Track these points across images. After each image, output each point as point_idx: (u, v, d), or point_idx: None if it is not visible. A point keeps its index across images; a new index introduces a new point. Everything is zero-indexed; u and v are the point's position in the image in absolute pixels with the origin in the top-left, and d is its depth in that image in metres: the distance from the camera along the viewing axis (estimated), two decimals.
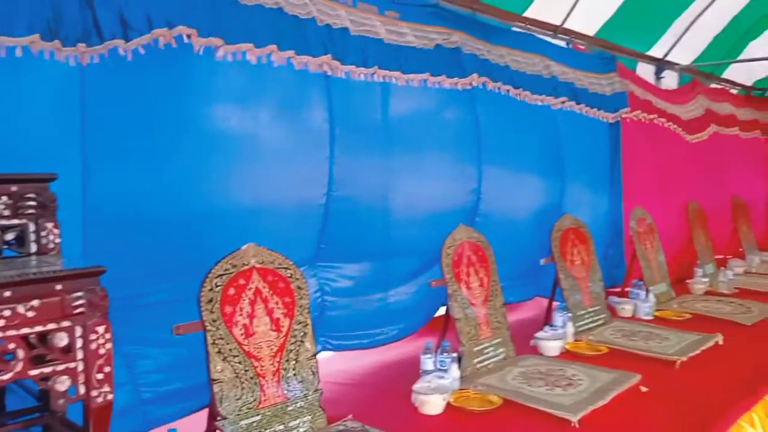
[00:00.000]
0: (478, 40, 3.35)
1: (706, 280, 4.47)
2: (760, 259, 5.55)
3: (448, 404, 2.28)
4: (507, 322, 2.88)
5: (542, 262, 3.38)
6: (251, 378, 1.89)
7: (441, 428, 2.14)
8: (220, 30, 2.15)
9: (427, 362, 2.44)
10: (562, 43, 4.21)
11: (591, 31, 4.43)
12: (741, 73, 7.29)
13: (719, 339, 3.12)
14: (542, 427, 2.12)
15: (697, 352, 2.92)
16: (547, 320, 3.32)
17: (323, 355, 3.01)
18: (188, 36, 2.05)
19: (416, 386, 2.31)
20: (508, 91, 3.52)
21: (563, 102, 3.95)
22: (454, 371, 2.44)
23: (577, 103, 4.05)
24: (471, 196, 3.35)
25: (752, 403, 2.41)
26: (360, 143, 2.81)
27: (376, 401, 2.43)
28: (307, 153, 2.60)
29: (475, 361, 2.62)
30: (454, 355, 2.48)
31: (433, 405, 2.23)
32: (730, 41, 6.14)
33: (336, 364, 2.94)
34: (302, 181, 2.58)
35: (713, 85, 6.56)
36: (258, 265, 1.99)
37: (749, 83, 7.69)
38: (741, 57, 6.65)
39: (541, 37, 4.01)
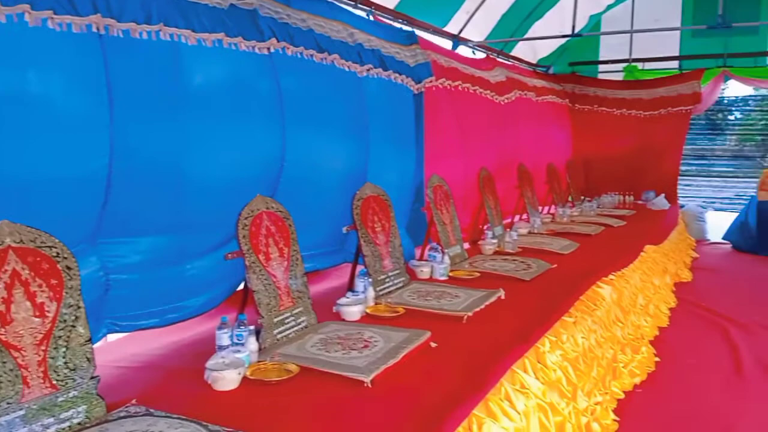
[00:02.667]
0: (276, 3, 3.26)
1: (494, 241, 4.89)
2: (542, 220, 6.21)
3: (245, 378, 2.24)
4: (308, 290, 2.89)
5: (344, 230, 3.45)
6: (11, 370, 1.68)
7: (235, 403, 2.09)
8: None
9: (223, 337, 2.37)
10: (363, 14, 4.26)
11: (391, 4, 4.54)
12: (527, 51, 8.01)
13: (501, 294, 3.43)
14: (337, 391, 2.17)
15: (482, 307, 3.18)
16: (350, 286, 3.41)
17: (112, 338, 2.80)
18: None
19: (209, 363, 2.23)
20: (312, 56, 3.48)
21: (369, 69, 4.01)
22: (252, 344, 2.40)
23: (385, 70, 4.15)
24: (274, 163, 3.27)
25: (524, 350, 2.69)
26: (147, 109, 2.58)
27: (166, 383, 2.30)
28: (81, 121, 2.33)
29: (276, 332, 2.60)
30: (252, 327, 2.43)
31: (227, 381, 2.17)
32: (517, 21, 6.70)
33: (126, 347, 2.74)
34: (77, 150, 2.32)
35: (504, 61, 7.12)
36: (15, 245, 1.75)
37: (534, 61, 8.48)
38: (527, 36, 7.29)
39: (343, 6, 4.02)
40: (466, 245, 4.83)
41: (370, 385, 2.18)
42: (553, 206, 7.16)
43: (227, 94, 2.92)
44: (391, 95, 4.29)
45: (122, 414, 1.89)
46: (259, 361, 2.38)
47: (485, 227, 5.16)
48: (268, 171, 3.21)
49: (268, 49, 3.13)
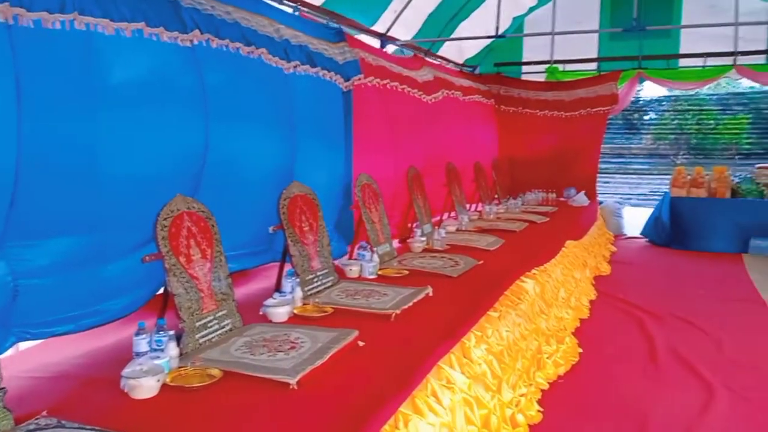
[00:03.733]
0: None
1: (423, 239, 4.94)
2: (469, 218, 6.32)
3: (165, 385, 2.16)
4: (233, 292, 2.82)
5: (271, 229, 3.39)
6: None
7: (153, 411, 2.01)
8: None
9: (141, 343, 2.27)
10: (289, 10, 4.20)
11: (318, 1, 4.50)
12: (454, 51, 8.14)
13: (429, 291, 3.46)
14: (262, 394, 2.12)
15: (410, 304, 3.19)
16: (277, 287, 3.35)
17: (25, 346, 2.65)
18: None
19: (126, 371, 2.14)
20: (238, 48, 3.39)
21: (296, 66, 3.95)
22: (172, 350, 2.32)
23: (313, 66, 4.10)
24: (196, 160, 3.17)
25: (450, 346, 2.72)
26: (59, 103, 2.43)
27: (81, 393, 2.19)
28: None
29: (198, 336, 2.52)
30: (172, 332, 2.35)
31: (145, 388, 2.08)
32: (443, 20, 6.79)
33: (40, 356, 2.60)
34: None
35: (431, 60, 7.20)
36: None
37: (461, 61, 8.62)
38: (453, 36, 7.40)
39: (268, 2, 3.96)
40: (396, 243, 4.86)
41: (296, 387, 2.14)
42: (480, 204, 7.31)
43: (147, 87, 2.79)
44: (320, 93, 4.26)
45: (31, 427, 1.79)
46: (179, 367, 2.31)
47: (414, 225, 5.21)
48: (190, 168, 3.11)
49: (191, 41, 3.04)
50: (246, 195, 3.60)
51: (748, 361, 3.96)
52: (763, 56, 8.35)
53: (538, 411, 3.09)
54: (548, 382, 3.47)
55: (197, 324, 2.53)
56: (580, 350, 4.06)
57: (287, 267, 3.42)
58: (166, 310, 2.58)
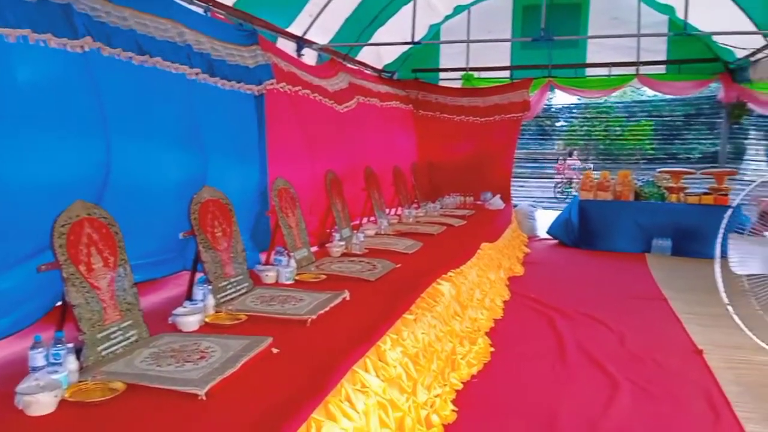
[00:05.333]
0: None
1: (342, 243, 4.93)
2: (388, 222, 6.37)
3: (63, 401, 2.04)
4: (139, 302, 2.70)
5: (181, 235, 3.28)
6: None
7: (51, 429, 1.89)
8: None
9: (37, 358, 2.13)
10: (200, 11, 4.09)
11: (230, 1, 4.41)
12: (373, 56, 8.20)
13: (346, 295, 3.46)
14: (169, 407, 2.04)
15: (327, 309, 3.18)
16: (188, 295, 3.25)
17: None
18: None
19: (21, 386, 2.00)
20: (131, 57, 3.28)
21: (197, 74, 3.86)
22: (71, 363, 2.19)
23: (212, 76, 4.01)
24: (98, 168, 3.05)
25: (366, 350, 2.72)
26: None
27: None
28: None
29: (100, 348, 2.40)
30: (71, 345, 2.23)
31: (41, 404, 1.96)
32: (361, 26, 6.83)
33: None
34: None
35: (350, 65, 7.22)
36: None
37: (380, 66, 8.69)
38: (371, 41, 7.45)
39: (177, 1, 3.84)
40: (314, 248, 4.82)
41: (204, 398, 2.08)
42: (399, 208, 7.38)
43: (35, 94, 2.66)
44: (231, 97, 4.17)
45: None
46: (80, 381, 2.19)
47: (333, 230, 5.19)
48: (91, 177, 2.98)
49: (82, 47, 2.90)
50: (154, 202, 3.48)
51: (649, 355, 4.19)
52: (663, 66, 8.91)
53: (453, 411, 3.15)
54: (462, 383, 3.54)
55: (99, 336, 2.41)
56: (492, 350, 4.16)
57: (199, 274, 3.32)
58: (66, 323, 2.44)
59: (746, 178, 9.74)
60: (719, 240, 2.32)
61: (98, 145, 2.99)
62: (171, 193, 3.58)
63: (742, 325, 2.22)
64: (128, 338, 2.54)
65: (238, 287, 3.45)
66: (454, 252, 5.09)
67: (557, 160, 10.12)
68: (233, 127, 4.31)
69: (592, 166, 9.65)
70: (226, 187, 3.73)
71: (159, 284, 3.88)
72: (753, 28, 7.17)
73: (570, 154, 9.21)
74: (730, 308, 2.24)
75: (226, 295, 3.31)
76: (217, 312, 3.10)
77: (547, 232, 8.97)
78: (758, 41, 7.26)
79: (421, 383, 3.03)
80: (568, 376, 3.84)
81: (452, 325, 3.96)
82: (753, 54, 7.66)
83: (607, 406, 3.37)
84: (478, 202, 8.69)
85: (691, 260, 7.41)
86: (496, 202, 8.50)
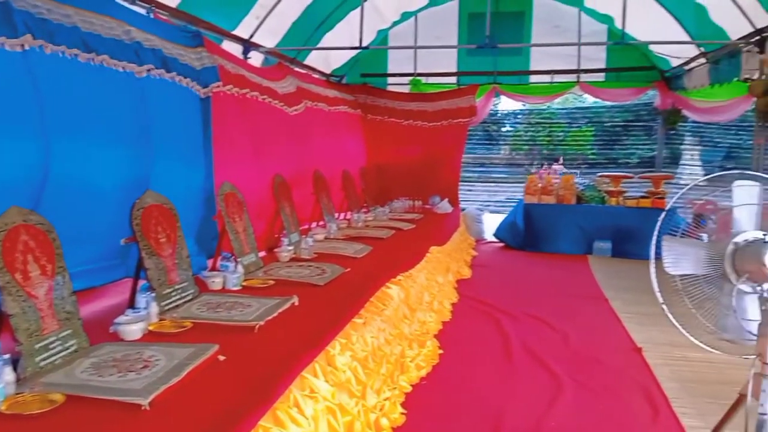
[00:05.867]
0: None
1: (291, 248, 4.90)
2: (338, 226, 6.36)
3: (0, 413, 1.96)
4: (78, 311, 2.62)
5: (123, 242, 3.20)
6: None
7: None
8: None
9: None
10: (143, 11, 4.01)
11: (173, 2, 4.33)
12: (321, 61, 8.18)
13: (295, 300, 3.43)
14: (111, 418, 1.99)
15: (275, 315, 3.15)
16: (131, 303, 3.17)
17: None
18: None
19: None
20: (76, 55, 3.18)
21: (149, 69, 3.78)
22: (8, 375, 2.11)
23: (168, 71, 3.93)
24: (35, 171, 2.94)
25: (314, 355, 2.72)
26: None
27: None
28: None
29: (38, 359, 2.32)
30: (7, 356, 2.14)
31: None
32: (309, 30, 6.81)
33: None
34: None
35: (297, 69, 7.18)
36: None
37: (328, 71, 8.69)
38: (319, 45, 7.44)
39: (120, 2, 3.75)
40: (262, 253, 4.77)
41: (148, 408, 2.03)
42: (348, 212, 7.38)
43: None
44: (175, 99, 4.10)
45: None
46: (17, 393, 2.11)
47: (281, 234, 5.15)
48: (27, 180, 2.87)
49: (22, 46, 2.80)
50: (95, 207, 3.39)
51: (591, 354, 4.33)
52: (603, 74, 9.22)
53: (402, 414, 3.17)
54: (411, 385, 3.57)
55: (37, 346, 2.32)
56: (441, 352, 4.21)
57: (142, 281, 3.24)
58: (2, 333, 2.34)
59: (682, 181, 10.19)
60: (654, 242, 2.42)
61: (36, 147, 2.89)
62: (113, 197, 3.49)
63: (676, 324, 2.31)
64: (68, 348, 2.46)
65: (183, 294, 3.39)
66: (403, 256, 5.13)
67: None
68: (179, 130, 4.22)
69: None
70: (170, 192, 3.65)
71: (99, 292, 3.76)
72: (687, 38, 7.51)
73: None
74: (665, 307, 2.34)
75: (171, 303, 3.24)
76: (161, 320, 3.03)
77: (494, 235, 9.13)
78: (692, 51, 7.61)
79: (371, 387, 3.04)
80: (514, 375, 3.92)
81: (401, 328, 3.99)
82: (687, 63, 8.01)
83: (552, 404, 3.46)
84: (427, 206, 8.78)
85: (630, 261, 7.67)
86: (445, 206, 8.60)
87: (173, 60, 4.04)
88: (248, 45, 5.77)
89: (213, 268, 4.14)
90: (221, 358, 2.55)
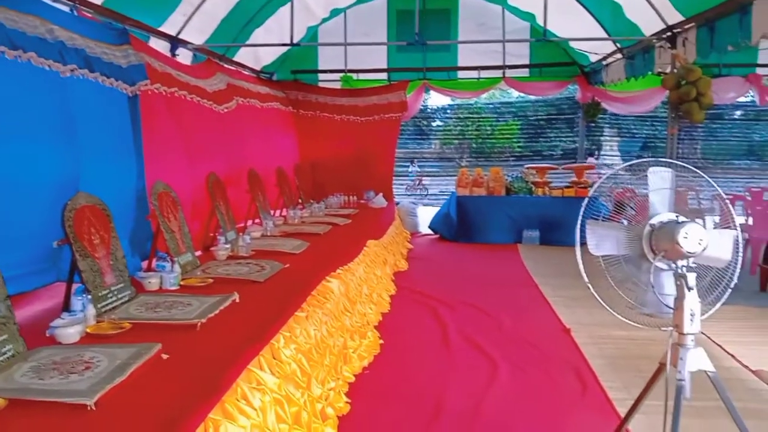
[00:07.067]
0: None
1: (228, 246, 4.87)
2: (274, 223, 6.35)
3: None
4: (14, 315, 2.55)
5: (55, 244, 3.11)
6: None
7: None
8: None
9: None
10: (66, 9, 3.89)
11: None
12: (251, 57, 8.11)
13: (236, 297, 3.44)
14: (57, 420, 1.96)
15: (216, 312, 3.14)
16: (66, 306, 3.09)
17: None
18: None
19: None
20: (3, 52, 3.08)
21: (73, 70, 3.68)
22: None
23: (91, 71, 3.84)
24: None
25: (259, 349, 2.75)
26: None
27: None
28: None
29: None
30: None
31: None
32: (238, 26, 6.74)
33: None
34: None
35: (227, 66, 7.10)
36: None
37: (258, 67, 8.62)
38: (248, 42, 7.38)
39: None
40: (198, 252, 4.72)
41: (94, 408, 2.02)
42: (284, 209, 7.36)
43: None
44: (101, 99, 4.01)
45: None
46: None
47: (217, 233, 5.10)
48: None
49: None
50: (23, 210, 3.29)
51: (524, 337, 4.53)
52: (527, 70, 9.57)
53: (346, 403, 3.25)
54: (354, 375, 3.65)
55: None
56: (381, 342, 4.32)
57: (76, 284, 3.17)
58: None
59: (602, 171, 10.71)
60: (578, 227, 2.59)
61: None
62: (41, 200, 3.40)
63: (601, 300, 2.49)
64: (4, 353, 2.39)
65: (120, 295, 3.33)
66: (340, 250, 5.20)
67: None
68: (107, 129, 4.13)
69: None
70: (102, 192, 3.57)
71: (31, 297, 3.64)
72: (604, 35, 7.91)
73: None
74: (590, 286, 2.51)
75: (108, 304, 3.18)
76: (98, 322, 2.98)
77: (429, 227, 9.33)
78: (609, 47, 8.02)
79: (315, 378, 3.10)
80: (453, 361, 4.07)
81: (342, 320, 4.06)
82: (605, 58, 8.45)
83: (489, 386, 3.62)
84: (362, 201, 8.87)
85: (556, 248, 8.02)
86: (380, 201, 8.72)
87: (97, 59, 3.95)
88: (176, 42, 5.67)
89: (149, 269, 4.07)
90: (165, 356, 2.54)
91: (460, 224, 8.78)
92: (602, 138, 13.58)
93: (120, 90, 4.18)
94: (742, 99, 10.62)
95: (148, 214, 4.32)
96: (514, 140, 15.86)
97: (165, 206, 4.21)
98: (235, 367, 2.46)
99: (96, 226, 3.33)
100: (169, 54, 5.56)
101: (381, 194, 8.89)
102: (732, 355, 4.12)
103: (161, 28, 5.38)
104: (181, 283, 3.82)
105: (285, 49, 8.29)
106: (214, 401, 2.17)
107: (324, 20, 8.97)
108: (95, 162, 3.90)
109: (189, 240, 4.40)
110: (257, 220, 6.33)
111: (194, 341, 2.79)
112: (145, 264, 4.21)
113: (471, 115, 16.11)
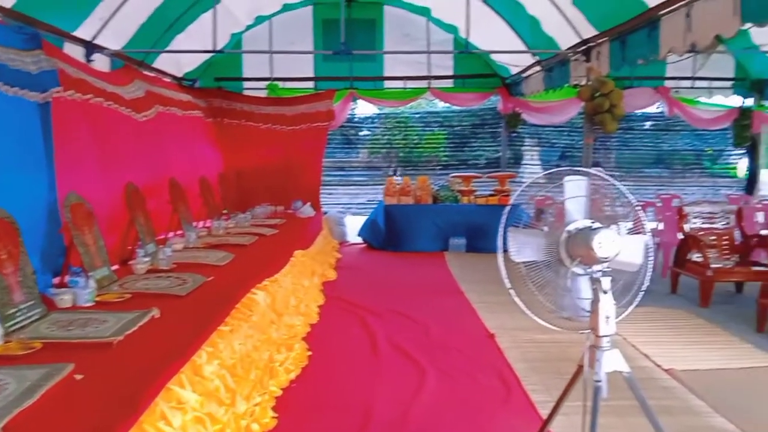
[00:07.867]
0: None
1: (147, 259, 4.69)
2: (197, 234, 6.18)
3: None
4: None
5: None
6: None
7: None
8: None
9: None
10: None
11: (8, 3, 4.01)
12: (172, 64, 7.89)
13: (156, 313, 3.31)
14: None
15: (134, 329, 3.02)
16: None
17: None
18: None
19: None
20: None
21: None
22: None
23: None
24: None
25: (180, 366, 2.66)
26: None
27: None
28: None
29: None
30: None
31: None
32: (158, 32, 6.55)
33: None
34: None
35: (147, 73, 6.88)
36: None
37: (180, 74, 8.40)
38: (169, 48, 7.18)
39: None
40: (115, 267, 4.53)
41: None
42: (208, 219, 7.18)
43: None
44: (8, 107, 3.78)
45: None
46: None
47: (136, 246, 4.91)
48: None
49: None
50: None
51: (450, 343, 4.60)
52: (451, 81, 9.78)
53: (273, 417, 3.19)
54: (281, 389, 3.59)
55: None
56: (310, 353, 4.27)
57: None
58: None
59: (523, 179, 11.06)
60: (501, 234, 2.65)
61: None
62: None
63: (521, 305, 2.56)
64: None
65: (29, 314, 3.15)
66: (267, 261, 5.11)
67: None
68: (13, 138, 3.90)
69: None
70: (9, 205, 3.37)
71: None
72: (523, 48, 8.19)
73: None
74: (512, 292, 2.57)
75: (16, 323, 3.00)
76: (6, 342, 2.80)
77: (358, 235, 9.34)
78: (528, 59, 8.32)
79: (240, 394, 3.03)
80: (381, 369, 4.07)
81: (269, 333, 3.99)
82: (524, 70, 8.76)
83: (417, 393, 3.65)
84: (289, 211, 8.77)
85: (482, 255, 8.20)
86: (307, 210, 8.65)
87: (2, 66, 3.73)
88: (91, 47, 5.43)
89: (61, 285, 3.87)
90: (78, 377, 2.41)
91: (388, 233, 8.84)
92: (523, 147, 14.04)
93: (27, 98, 3.96)
94: (652, 110, 11.27)
95: (60, 227, 4.11)
96: (441, 149, 16.13)
97: (79, 219, 4.02)
98: (153, 386, 2.37)
99: (3, 241, 3.15)
100: (84, 60, 5.32)
101: (309, 204, 8.81)
102: (646, 355, 4.33)
103: (76, 33, 5.15)
104: (97, 299, 3.65)
105: (208, 56, 8.12)
106: (131, 422, 2.08)
107: (249, 27, 8.85)
108: (3, 173, 3.68)
109: (105, 254, 4.21)
110: (179, 232, 6.14)
111: (110, 360, 2.67)
112: (57, 280, 4.00)
113: (398, 125, 16.27)
